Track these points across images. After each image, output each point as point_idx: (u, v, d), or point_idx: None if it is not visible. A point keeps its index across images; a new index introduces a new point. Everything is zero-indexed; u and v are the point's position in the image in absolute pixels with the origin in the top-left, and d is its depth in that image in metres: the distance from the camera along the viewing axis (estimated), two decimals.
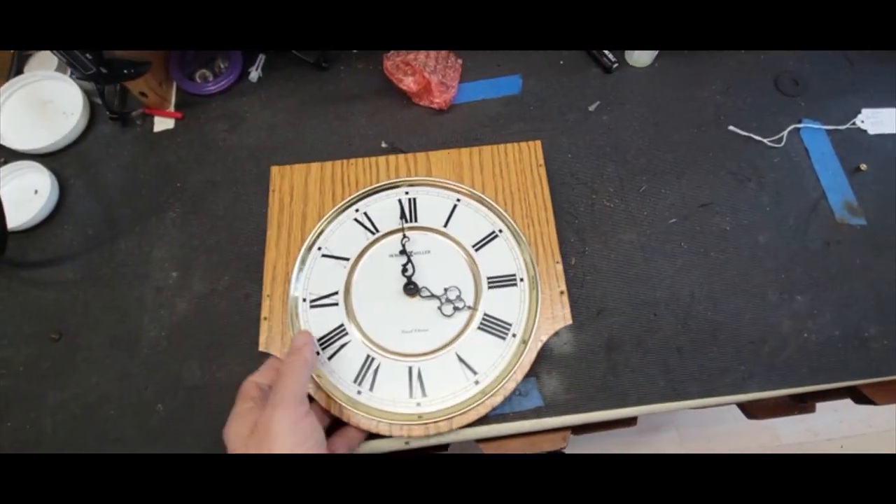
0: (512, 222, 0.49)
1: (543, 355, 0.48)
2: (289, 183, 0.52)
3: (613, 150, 0.56)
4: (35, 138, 0.59)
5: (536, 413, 0.47)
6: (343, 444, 0.43)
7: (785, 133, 0.56)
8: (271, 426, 0.34)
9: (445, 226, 0.50)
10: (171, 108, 0.61)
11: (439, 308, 0.46)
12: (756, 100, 0.58)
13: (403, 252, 0.48)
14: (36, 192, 0.57)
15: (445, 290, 0.47)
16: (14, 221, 0.53)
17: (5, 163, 0.58)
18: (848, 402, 0.55)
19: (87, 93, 0.61)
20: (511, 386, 0.44)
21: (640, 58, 0.59)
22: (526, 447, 0.51)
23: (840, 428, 1.31)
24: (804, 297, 0.49)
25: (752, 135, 0.56)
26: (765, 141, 0.56)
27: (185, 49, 0.61)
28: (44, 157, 0.58)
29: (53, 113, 0.61)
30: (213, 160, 0.58)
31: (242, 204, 0.56)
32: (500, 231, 0.49)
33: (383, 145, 0.57)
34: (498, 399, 0.44)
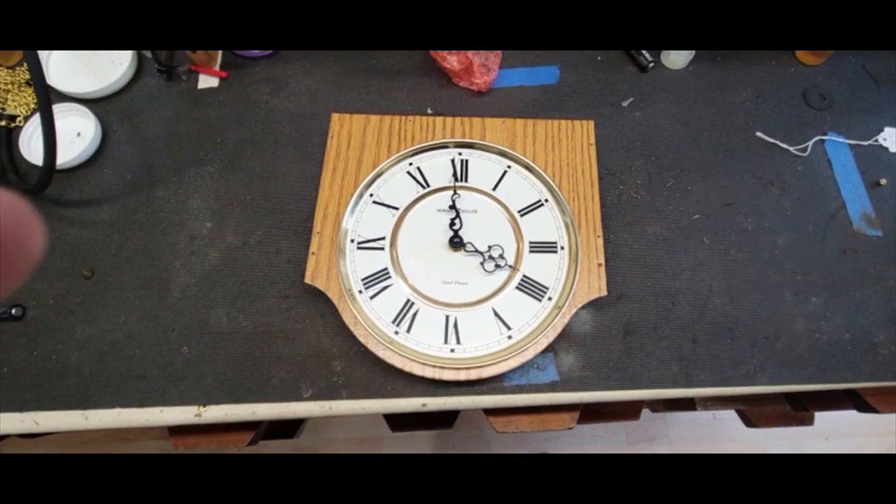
0: (559, 193, 0.51)
1: (563, 332, 0.49)
2: (347, 131, 0.54)
3: (643, 146, 0.58)
4: (82, 83, 0.60)
5: (551, 387, 0.48)
6: None
7: (810, 143, 0.57)
8: None
9: (494, 189, 0.52)
10: (217, 68, 0.63)
11: (481, 264, 0.49)
12: (784, 110, 0.60)
13: (453, 207, 0.50)
14: (79, 134, 0.58)
15: (489, 247, 0.49)
16: (57, 160, 0.54)
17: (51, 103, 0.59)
18: (839, 429, 0.55)
19: None
20: (542, 345, 0.46)
21: (676, 60, 0.61)
22: (535, 424, 0.52)
23: None
24: (818, 299, 0.51)
25: (778, 142, 0.58)
26: (790, 149, 0.57)
27: (234, 49, 0.63)
28: (89, 102, 0.60)
29: (102, 61, 0.62)
30: (254, 120, 0.60)
31: (279, 164, 0.57)
32: (546, 200, 0.51)
33: (429, 111, 0.59)
34: (528, 355, 0.46)
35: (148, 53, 0.62)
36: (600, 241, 0.50)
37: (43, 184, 0.51)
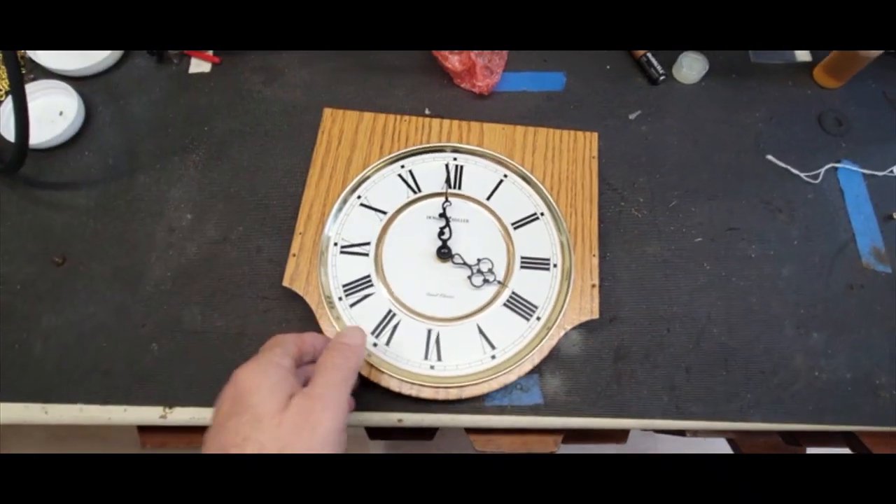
0: (556, 207, 0.49)
1: (550, 354, 0.47)
2: (339, 127, 0.52)
3: (648, 162, 0.56)
4: (67, 60, 0.57)
5: (534, 410, 0.46)
6: None
7: (822, 170, 0.55)
8: (321, 424, 0.31)
9: (488, 199, 0.50)
10: (210, 52, 0.60)
11: (469, 278, 0.46)
12: (797, 134, 0.57)
13: (443, 216, 0.48)
14: (61, 113, 0.56)
15: (479, 260, 0.47)
16: (35, 139, 0.52)
17: (34, 79, 0.57)
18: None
19: None
20: (527, 367, 0.44)
21: (689, 74, 0.58)
22: (517, 446, 0.50)
23: None
24: (820, 335, 0.49)
25: (789, 167, 0.55)
26: (801, 175, 0.55)
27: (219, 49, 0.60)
28: (74, 81, 0.57)
29: None
30: (244, 110, 0.58)
31: (268, 157, 0.55)
32: (542, 214, 0.49)
33: (427, 112, 0.57)
34: (511, 377, 0.43)
35: None
36: (595, 261, 0.48)
37: (16, 163, 0.48)
